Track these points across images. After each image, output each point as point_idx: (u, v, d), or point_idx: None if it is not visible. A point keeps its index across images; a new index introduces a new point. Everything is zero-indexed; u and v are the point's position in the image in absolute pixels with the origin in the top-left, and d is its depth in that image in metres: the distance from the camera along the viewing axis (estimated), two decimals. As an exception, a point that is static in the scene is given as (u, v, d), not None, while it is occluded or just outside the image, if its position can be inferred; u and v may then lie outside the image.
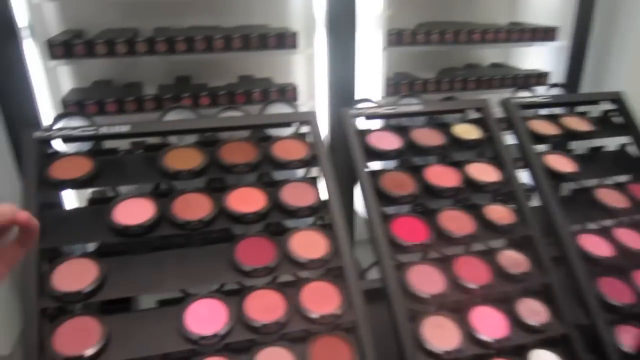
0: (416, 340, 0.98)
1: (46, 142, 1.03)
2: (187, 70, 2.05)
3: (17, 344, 1.59)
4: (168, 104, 1.79)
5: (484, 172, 1.19)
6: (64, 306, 0.88)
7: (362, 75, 1.94)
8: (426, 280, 1.05)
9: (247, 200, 1.03)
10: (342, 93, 1.89)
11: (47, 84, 1.66)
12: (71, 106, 1.71)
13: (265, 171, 1.11)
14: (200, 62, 2.02)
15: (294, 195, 1.06)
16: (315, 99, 2.07)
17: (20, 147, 0.99)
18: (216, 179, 1.11)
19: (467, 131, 1.25)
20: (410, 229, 1.10)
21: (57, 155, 1.03)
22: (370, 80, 2.01)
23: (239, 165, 1.05)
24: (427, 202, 1.16)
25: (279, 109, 1.21)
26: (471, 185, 1.17)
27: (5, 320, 1.48)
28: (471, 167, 1.20)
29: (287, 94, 1.94)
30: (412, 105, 1.23)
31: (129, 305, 0.97)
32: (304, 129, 1.18)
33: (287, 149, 1.11)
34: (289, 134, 1.17)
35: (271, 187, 1.07)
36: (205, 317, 0.91)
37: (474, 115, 1.31)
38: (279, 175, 1.17)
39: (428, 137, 1.21)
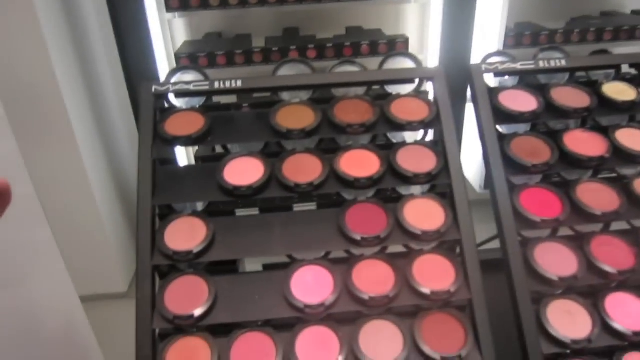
0: (540, 326, 0.84)
1: (162, 96, 0.98)
2: (295, 22, 1.95)
3: (133, 283, 1.69)
4: (276, 56, 1.72)
5: (637, 140, 0.97)
6: (174, 264, 0.85)
7: (478, 26, 1.71)
8: (555, 260, 0.89)
9: (360, 163, 0.92)
10: (458, 45, 1.68)
11: (162, 37, 1.65)
12: (184, 59, 1.70)
13: (382, 132, 0.98)
14: (308, 12, 1.90)
15: (410, 160, 0.92)
16: (427, 51, 1.88)
17: (138, 101, 0.95)
18: (328, 140, 1.01)
19: (621, 91, 1.01)
20: (541, 202, 0.93)
21: (171, 110, 0.99)
22: (488, 32, 1.77)
23: (353, 126, 0.93)
24: (563, 172, 0.97)
25: (399, 63, 1.06)
26: (620, 154, 0.95)
27: (122, 261, 1.56)
28: (621, 133, 0.98)
29: (397, 46, 1.77)
30: (554, 59, 1.01)
31: (235, 266, 0.93)
32: (425, 87, 1.03)
33: (406, 109, 0.96)
34: (409, 91, 1.02)
35: (386, 149, 0.95)
36: (311, 285, 0.84)
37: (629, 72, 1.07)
38: (396, 137, 1.04)
39: (570, 97, 1.00)
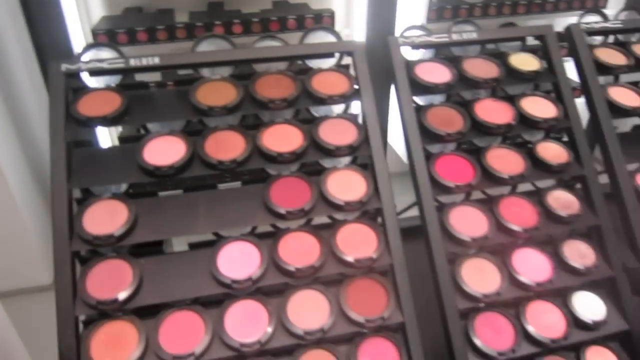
0: (455, 284, 0.90)
1: (74, 75, 0.92)
2: (219, -4, 1.88)
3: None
4: (200, 32, 1.65)
5: (539, 107, 1.03)
6: (96, 249, 0.82)
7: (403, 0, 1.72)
8: (468, 222, 0.95)
9: (283, 138, 0.92)
10: (383, 20, 1.69)
11: (77, 12, 1.55)
12: (101, 35, 1.59)
13: (304, 107, 0.98)
14: (233, -14, 1.84)
15: (332, 133, 0.94)
16: (352, 26, 1.88)
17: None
18: (250, 116, 1.00)
19: (526, 61, 1.07)
20: (454, 169, 0.98)
21: (85, 89, 0.93)
22: (410, 6, 1.79)
23: (275, 101, 0.93)
24: (475, 139, 1.02)
25: (320, 37, 1.06)
26: (525, 121, 1.02)
27: (44, 252, 1.46)
28: (526, 101, 1.04)
29: (324, 20, 1.75)
30: (466, 32, 1.05)
31: (161, 247, 0.91)
32: (346, 61, 1.03)
33: (327, 83, 0.97)
34: (331, 65, 1.03)
35: (310, 123, 0.95)
36: (238, 261, 0.84)
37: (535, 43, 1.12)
38: (319, 110, 1.05)
39: (481, 68, 1.04)
